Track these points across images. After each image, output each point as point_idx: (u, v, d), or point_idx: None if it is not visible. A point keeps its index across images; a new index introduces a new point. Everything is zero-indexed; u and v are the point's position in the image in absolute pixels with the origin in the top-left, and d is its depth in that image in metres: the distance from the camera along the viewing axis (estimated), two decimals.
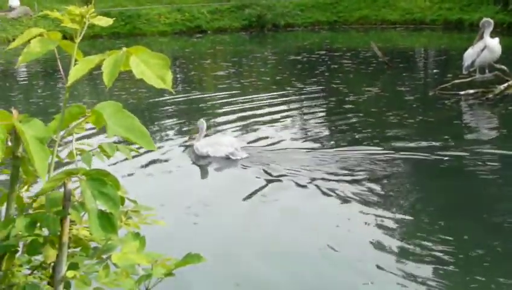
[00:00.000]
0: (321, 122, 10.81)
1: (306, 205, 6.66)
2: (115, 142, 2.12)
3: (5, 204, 1.64)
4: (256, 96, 13.50)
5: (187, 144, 9.10)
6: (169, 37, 28.98)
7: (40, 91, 16.06)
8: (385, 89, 14.19)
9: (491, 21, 12.19)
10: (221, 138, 8.74)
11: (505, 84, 11.98)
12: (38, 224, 1.57)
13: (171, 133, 10.37)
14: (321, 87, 14.45)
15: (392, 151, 8.41)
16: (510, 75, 12.32)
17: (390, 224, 5.99)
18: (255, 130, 10.22)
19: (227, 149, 8.34)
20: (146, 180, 7.56)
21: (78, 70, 1.45)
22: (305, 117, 11.45)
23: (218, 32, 29.53)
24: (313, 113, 11.66)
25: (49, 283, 1.77)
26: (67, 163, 2.00)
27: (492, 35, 12.36)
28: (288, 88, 14.52)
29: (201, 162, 8.39)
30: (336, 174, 7.55)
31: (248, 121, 10.98)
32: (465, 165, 7.89)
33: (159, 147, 8.94)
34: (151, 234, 1.88)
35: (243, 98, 13.34)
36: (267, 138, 9.60)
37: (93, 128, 1.76)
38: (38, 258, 1.85)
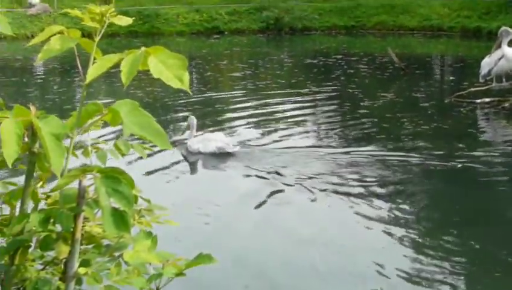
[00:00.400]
0: (335, 126, 10.78)
1: (316, 208, 6.64)
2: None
3: (20, 199, 1.65)
4: (271, 98, 13.51)
5: (178, 138, 9.18)
6: (186, 37, 29.07)
7: (57, 88, 16.17)
8: (400, 95, 14.13)
9: (510, 30, 12.09)
10: (210, 135, 8.93)
11: None
12: (52, 220, 1.58)
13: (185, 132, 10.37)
14: (336, 91, 14.42)
15: (405, 157, 8.37)
16: None
17: (400, 230, 5.96)
18: (268, 132, 10.23)
19: (216, 144, 8.54)
20: (156, 180, 7.58)
21: (96, 68, 1.46)
22: (319, 120, 11.44)
23: (236, 34, 29.57)
24: (327, 116, 11.65)
25: (60, 279, 1.78)
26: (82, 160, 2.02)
27: (510, 45, 12.26)
28: (304, 91, 14.51)
29: (198, 159, 8.39)
30: (347, 178, 7.53)
31: (262, 123, 10.99)
32: (478, 173, 7.83)
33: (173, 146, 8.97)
34: (161, 233, 1.89)
35: (258, 99, 13.36)
36: (279, 140, 9.60)
37: (104, 127, 1.77)
38: (50, 254, 1.87)
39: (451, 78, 17.67)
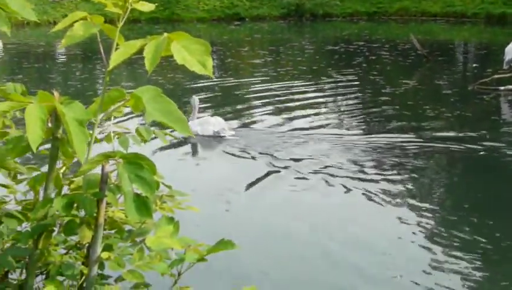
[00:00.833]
0: (356, 113, 10.72)
1: (334, 194, 6.60)
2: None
3: (44, 184, 1.67)
4: (292, 85, 13.47)
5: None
6: (207, 24, 29.06)
7: (79, 74, 16.28)
8: (423, 82, 14.00)
9: None
10: (210, 118, 9.08)
11: None
12: (75, 205, 1.59)
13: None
14: (358, 78, 14.33)
15: (427, 144, 8.31)
16: None
17: (420, 217, 5.91)
18: (289, 118, 10.19)
19: (213, 128, 8.80)
20: (173, 165, 7.62)
21: (119, 54, 1.46)
22: (340, 107, 11.39)
23: (257, 20, 29.48)
24: (348, 103, 11.59)
25: (83, 263, 1.80)
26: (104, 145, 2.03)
27: None
28: (325, 78, 14.44)
29: (228, 149, 8.40)
30: (367, 164, 7.50)
31: (282, 109, 10.97)
32: (502, 161, 7.74)
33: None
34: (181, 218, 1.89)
35: (279, 86, 13.32)
36: (300, 126, 9.57)
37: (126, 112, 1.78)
38: (73, 239, 1.89)
39: (474, 65, 17.45)
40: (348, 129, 9.50)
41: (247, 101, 12.04)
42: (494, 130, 9.32)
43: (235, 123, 9.86)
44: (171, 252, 1.71)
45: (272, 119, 10.17)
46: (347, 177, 7.06)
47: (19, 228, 1.85)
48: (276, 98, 12.00)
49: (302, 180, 7.00)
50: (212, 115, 9.31)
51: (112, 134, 2.05)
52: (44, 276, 1.86)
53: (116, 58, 1.46)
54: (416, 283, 4.67)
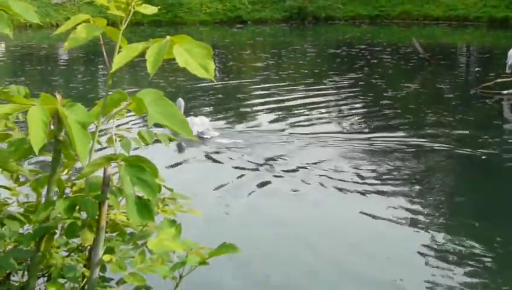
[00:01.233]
0: (357, 116, 10.72)
1: (336, 197, 6.60)
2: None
3: (46, 187, 1.67)
4: (293, 88, 13.48)
5: None
6: (209, 27, 29.09)
7: (81, 76, 16.30)
8: (425, 86, 14.00)
9: None
10: (194, 119, 9.05)
11: None
12: (77, 207, 1.60)
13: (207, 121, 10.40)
14: (359, 82, 14.33)
15: (428, 148, 8.31)
16: None
17: (420, 221, 5.90)
18: (290, 120, 10.20)
19: (198, 128, 8.80)
20: (174, 168, 7.62)
21: (122, 57, 1.46)
22: (342, 110, 11.38)
23: (259, 23, 29.51)
24: (349, 107, 11.59)
25: (85, 266, 1.80)
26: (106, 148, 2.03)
27: None
28: (326, 81, 14.45)
29: (224, 151, 8.40)
30: (369, 167, 7.49)
31: (283, 111, 10.97)
32: (503, 165, 7.74)
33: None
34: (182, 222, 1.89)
35: (280, 89, 13.33)
36: (300, 129, 9.58)
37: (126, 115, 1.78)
38: (75, 241, 1.89)
39: (477, 69, 17.44)
40: (349, 132, 9.50)
41: (249, 104, 12.05)
42: (497, 134, 9.31)
43: (221, 124, 9.89)
44: (173, 255, 1.71)
45: (273, 122, 10.18)
46: (348, 180, 7.05)
47: (21, 230, 1.86)
48: (278, 101, 12.01)
49: (303, 182, 6.99)
50: (196, 116, 9.28)
51: (114, 137, 2.06)
52: (46, 278, 1.86)
53: (119, 61, 1.46)
54: (416, 287, 4.67)
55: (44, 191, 1.71)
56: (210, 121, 9.30)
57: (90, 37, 1.54)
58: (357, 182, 6.99)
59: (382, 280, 4.79)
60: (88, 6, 27.58)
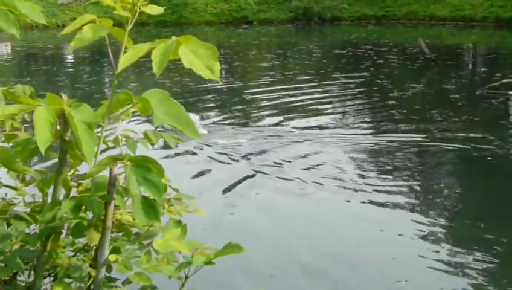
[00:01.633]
0: (363, 117, 10.71)
1: (343, 199, 6.60)
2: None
3: (52, 187, 1.67)
4: (298, 88, 13.47)
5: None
6: (215, 27, 29.10)
7: (86, 76, 16.33)
8: (431, 86, 13.97)
9: None
10: None
11: None
12: (83, 207, 1.60)
13: (213, 121, 10.41)
14: (365, 82, 14.32)
15: (434, 148, 8.29)
16: None
17: (425, 221, 5.88)
18: (295, 121, 10.19)
19: None
20: (179, 168, 7.63)
21: (128, 57, 1.46)
22: (348, 111, 11.37)
23: (265, 24, 29.51)
24: (355, 107, 11.57)
25: (91, 265, 1.80)
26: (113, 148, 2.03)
27: None
28: (332, 81, 14.44)
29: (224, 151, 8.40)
30: (374, 167, 7.49)
31: (288, 111, 10.97)
32: (509, 166, 7.71)
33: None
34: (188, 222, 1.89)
35: (285, 89, 13.33)
36: (306, 129, 9.57)
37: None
38: (81, 241, 1.89)
39: (483, 69, 17.39)
40: (355, 133, 9.48)
41: (254, 104, 12.05)
42: (503, 134, 9.28)
43: (209, 121, 9.99)
44: (179, 255, 1.72)
45: (278, 122, 10.17)
46: (353, 180, 7.05)
47: (27, 230, 1.86)
48: (283, 101, 12.00)
49: (308, 182, 6.99)
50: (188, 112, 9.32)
51: (120, 137, 2.06)
52: (52, 278, 1.86)
53: (125, 61, 1.46)
54: (420, 288, 4.66)
55: (50, 191, 1.71)
56: (200, 119, 9.39)
57: (96, 38, 1.54)
58: (362, 183, 6.98)
59: (386, 280, 4.79)
60: (94, 6, 27.64)
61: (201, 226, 5.12)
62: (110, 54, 1.64)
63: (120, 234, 1.88)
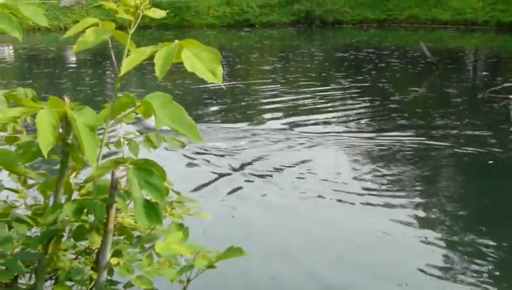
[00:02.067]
0: (365, 120, 10.71)
1: (345, 202, 6.59)
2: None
3: (54, 190, 1.67)
4: (300, 91, 13.47)
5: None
6: (217, 30, 29.13)
7: (89, 79, 16.34)
8: (432, 90, 13.96)
9: None
10: None
11: None
12: (85, 210, 1.60)
13: (215, 124, 10.42)
14: (367, 86, 14.32)
15: (435, 152, 8.28)
16: None
17: (426, 224, 5.88)
18: (297, 124, 10.19)
19: None
20: (179, 170, 7.63)
21: (131, 61, 1.47)
22: (349, 114, 11.36)
23: (267, 27, 29.53)
24: (356, 111, 11.56)
25: (92, 269, 1.80)
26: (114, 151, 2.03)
27: None
28: (333, 85, 14.44)
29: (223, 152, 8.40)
30: (375, 170, 7.47)
31: (290, 114, 10.97)
32: (510, 170, 7.70)
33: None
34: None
35: (287, 92, 13.34)
36: (307, 132, 9.57)
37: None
38: (83, 244, 1.89)
39: (484, 73, 17.39)
40: (356, 136, 9.48)
41: (256, 107, 12.05)
42: (504, 138, 9.28)
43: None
44: (180, 259, 1.71)
45: (280, 125, 10.17)
46: (354, 183, 7.04)
47: (28, 233, 1.86)
48: (285, 105, 12.01)
49: (310, 185, 6.99)
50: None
51: (122, 140, 2.06)
52: (53, 281, 1.86)
53: (128, 64, 1.46)
54: None
55: (52, 194, 1.71)
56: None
57: (98, 41, 1.55)
58: (363, 185, 6.97)
59: (387, 283, 4.78)
60: (96, 9, 27.70)
61: (202, 229, 5.12)
62: (113, 57, 1.64)
63: (122, 237, 1.88)
